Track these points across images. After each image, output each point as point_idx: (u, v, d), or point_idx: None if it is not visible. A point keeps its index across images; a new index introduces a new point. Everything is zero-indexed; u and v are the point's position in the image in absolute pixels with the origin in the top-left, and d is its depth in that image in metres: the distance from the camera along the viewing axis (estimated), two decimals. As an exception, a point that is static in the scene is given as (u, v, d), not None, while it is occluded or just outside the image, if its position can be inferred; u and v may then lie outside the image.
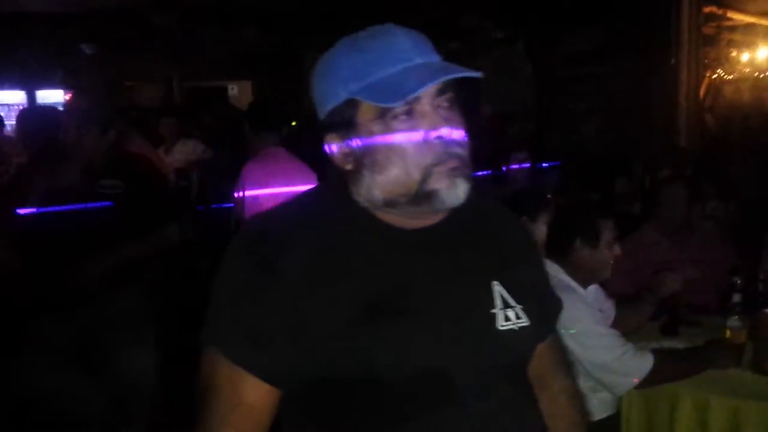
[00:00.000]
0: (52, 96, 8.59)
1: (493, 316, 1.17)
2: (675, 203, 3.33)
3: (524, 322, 1.19)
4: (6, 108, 8.76)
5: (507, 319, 1.17)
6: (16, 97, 9.18)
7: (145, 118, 6.01)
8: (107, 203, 2.49)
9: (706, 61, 7.68)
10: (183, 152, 6.01)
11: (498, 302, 1.18)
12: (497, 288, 1.19)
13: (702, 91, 7.46)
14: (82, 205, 2.52)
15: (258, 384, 1.11)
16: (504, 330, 1.17)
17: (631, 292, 2.96)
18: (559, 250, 2.47)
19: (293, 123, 6.15)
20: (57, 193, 2.57)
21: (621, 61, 7.65)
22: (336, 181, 1.20)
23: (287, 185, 3.31)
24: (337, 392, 1.11)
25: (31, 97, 9.15)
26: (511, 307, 1.18)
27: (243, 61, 9.34)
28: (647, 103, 7.24)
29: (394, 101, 1.07)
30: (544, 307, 1.29)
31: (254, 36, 8.83)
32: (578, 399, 1.40)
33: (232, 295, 1.13)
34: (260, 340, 1.09)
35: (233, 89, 9.97)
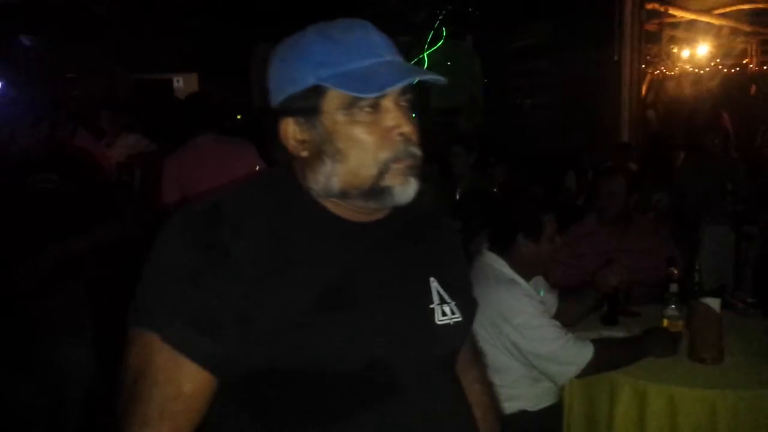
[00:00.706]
0: (-11, 88, 8.31)
1: (432, 311, 1.20)
2: (613, 195, 3.40)
3: (458, 317, 1.23)
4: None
5: (444, 314, 1.21)
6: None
7: (86, 111, 5.86)
8: (41, 197, 2.40)
9: (648, 57, 7.86)
10: (125, 146, 5.87)
11: (435, 298, 1.22)
12: (434, 284, 1.23)
13: (644, 87, 7.63)
14: (15, 200, 2.43)
15: (198, 372, 1.06)
16: (441, 324, 1.20)
17: (571, 282, 3.01)
18: (501, 244, 2.49)
19: (238, 116, 6.07)
20: None
21: (567, 57, 7.78)
22: (286, 167, 1.19)
23: (216, 170, 3.22)
24: (281, 383, 1.09)
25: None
26: (446, 302, 1.23)
27: (189, 53, 9.18)
28: (592, 99, 7.37)
29: (369, 92, 1.08)
30: (469, 304, 1.33)
31: (201, 27, 8.69)
32: (490, 387, 1.46)
33: (175, 275, 1.06)
34: (207, 326, 1.05)
35: (178, 82, 9.78)
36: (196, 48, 9.05)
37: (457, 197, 4.24)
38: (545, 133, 7.80)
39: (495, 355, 2.38)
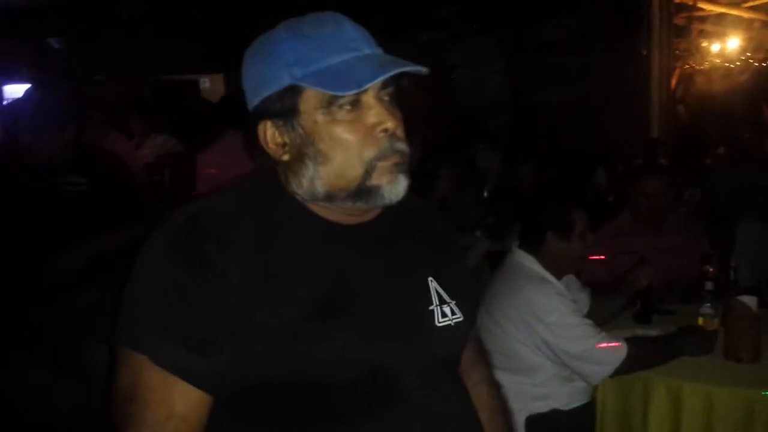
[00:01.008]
0: (20, 91, 8.40)
1: (431, 313, 1.16)
2: (650, 193, 3.31)
3: (459, 317, 1.19)
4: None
5: (444, 315, 1.17)
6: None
7: (114, 112, 5.92)
8: (70, 200, 2.42)
9: (677, 51, 7.75)
10: (154, 147, 5.92)
11: (434, 298, 1.17)
12: (433, 284, 1.18)
13: (673, 82, 7.52)
14: (45, 203, 2.45)
15: (190, 392, 1.02)
16: (442, 326, 1.16)
17: (606, 281, 2.97)
18: (531, 242, 2.47)
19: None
20: (18, 192, 2.50)
21: (594, 53, 7.69)
22: (268, 172, 1.15)
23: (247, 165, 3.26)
24: (279, 396, 1.05)
25: (-1, 92, 8.97)
26: (446, 302, 1.18)
27: (214, 53, 9.24)
28: (620, 94, 7.29)
29: (346, 89, 1.03)
30: (470, 301, 1.28)
31: (227, 28, 8.74)
32: (497, 388, 1.41)
33: (161, 292, 1.02)
34: (197, 344, 1.01)
35: (205, 83, 9.84)
36: (222, 49, 9.11)
37: (485, 194, 4.21)
38: (573, 129, 7.72)
39: (526, 353, 2.36)
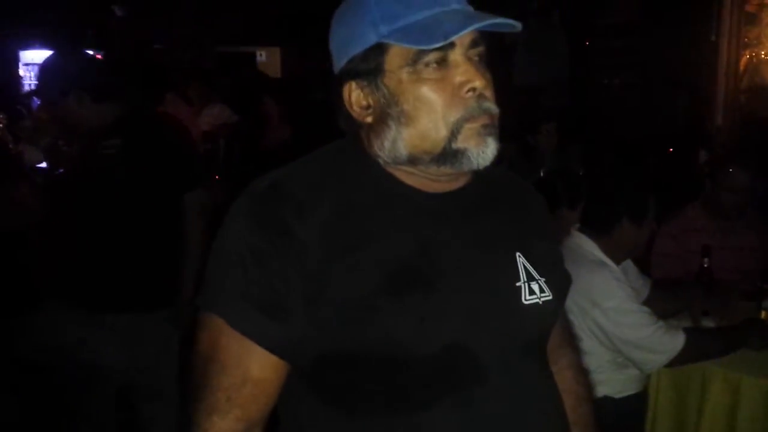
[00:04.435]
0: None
1: (518, 290, 1.10)
2: (736, 187, 3.08)
3: (548, 296, 1.13)
4: (35, 68, 8.78)
5: (531, 292, 1.11)
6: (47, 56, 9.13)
7: (174, 80, 6.00)
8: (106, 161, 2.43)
9: (747, 40, 7.47)
10: (210, 116, 6.00)
11: (522, 275, 1.12)
12: (521, 260, 1.13)
13: (741, 70, 7.27)
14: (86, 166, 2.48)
15: (267, 358, 1.02)
16: (529, 304, 1.11)
17: (674, 274, 2.90)
18: (600, 225, 2.41)
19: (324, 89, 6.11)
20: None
21: (658, 36, 7.46)
22: (352, 137, 1.12)
23: None
24: (354, 368, 1.03)
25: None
26: (535, 279, 1.12)
27: (272, 26, 9.28)
28: (684, 80, 7.07)
29: (432, 42, 0.98)
30: (561, 280, 1.22)
31: (284, 1, 8.76)
32: (584, 374, 1.35)
33: (240, 258, 1.02)
34: (273, 309, 1.01)
35: (261, 56, 9.90)
36: (279, 21, 9.14)
37: (541, 174, 4.16)
38: (632, 113, 7.53)
39: (580, 338, 2.33)
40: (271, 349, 1.02)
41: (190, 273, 2.50)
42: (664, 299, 2.61)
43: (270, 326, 1.01)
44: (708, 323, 2.59)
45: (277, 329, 1.01)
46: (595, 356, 2.34)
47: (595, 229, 2.42)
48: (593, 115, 7.46)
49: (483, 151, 1.04)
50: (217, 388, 1.03)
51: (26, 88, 7.62)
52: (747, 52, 7.67)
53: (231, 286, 1.03)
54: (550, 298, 1.13)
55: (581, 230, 2.46)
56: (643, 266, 2.80)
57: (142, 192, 2.41)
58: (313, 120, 3.64)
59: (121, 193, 2.39)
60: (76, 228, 2.42)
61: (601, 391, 2.35)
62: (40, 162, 3.43)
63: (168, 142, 2.59)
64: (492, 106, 1.05)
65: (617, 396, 2.39)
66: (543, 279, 1.13)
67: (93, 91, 2.41)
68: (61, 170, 2.74)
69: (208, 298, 1.06)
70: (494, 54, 1.09)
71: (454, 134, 1.02)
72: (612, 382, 2.37)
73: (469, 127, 1.03)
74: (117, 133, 2.41)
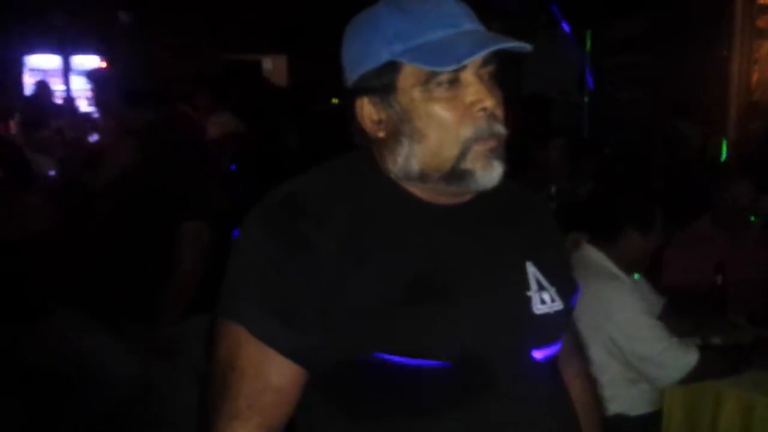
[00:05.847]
0: (88, 62, 8.61)
1: (529, 299, 1.12)
2: (741, 200, 3.10)
3: (558, 305, 1.15)
4: (42, 73, 8.82)
5: (542, 302, 1.13)
6: (52, 62, 9.20)
7: (180, 89, 5.97)
8: None
9: (757, 55, 7.45)
10: (218, 124, 5.97)
11: (533, 284, 1.13)
12: (531, 269, 1.14)
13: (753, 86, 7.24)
14: None
15: (287, 365, 1.04)
16: (540, 314, 1.12)
17: (683, 286, 2.87)
18: (606, 236, 2.39)
19: (334, 100, 6.10)
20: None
21: (668, 51, 7.44)
22: (364, 150, 1.14)
23: None
24: (368, 376, 1.05)
25: (67, 63, 9.18)
26: (545, 289, 1.14)
27: (279, 35, 9.30)
28: (694, 96, 7.04)
29: (445, 65, 1.01)
30: (570, 290, 1.24)
31: (292, 8, 8.78)
32: (592, 383, 1.37)
33: (259, 267, 1.05)
34: (291, 317, 1.03)
35: (268, 63, 9.91)
36: (286, 30, 9.16)
37: (552, 191, 4.11)
38: (640, 129, 7.51)
39: (592, 352, 2.27)
40: (290, 357, 1.04)
41: (176, 297, 2.44)
42: (677, 321, 2.56)
43: (289, 334, 1.03)
44: (716, 341, 2.53)
45: (296, 337, 1.03)
46: (607, 370, 2.30)
47: (602, 238, 2.40)
48: (603, 130, 7.44)
49: (489, 174, 1.07)
50: (237, 395, 1.04)
51: (29, 92, 7.66)
52: (758, 67, 7.64)
53: (250, 294, 1.05)
54: (561, 307, 1.15)
55: (590, 242, 2.43)
56: (653, 278, 2.77)
57: (146, 211, 2.39)
58: (319, 129, 3.62)
59: (131, 206, 2.37)
60: (88, 236, 2.41)
61: (614, 407, 2.31)
62: (51, 170, 3.43)
63: (187, 163, 2.55)
64: (500, 129, 1.07)
65: (631, 413, 2.34)
66: (554, 288, 1.15)
67: (136, 97, 2.46)
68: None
69: (227, 306, 1.08)
70: (504, 64, 1.10)
71: (463, 153, 1.05)
72: (624, 398, 2.33)
73: (477, 150, 1.05)
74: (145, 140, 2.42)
